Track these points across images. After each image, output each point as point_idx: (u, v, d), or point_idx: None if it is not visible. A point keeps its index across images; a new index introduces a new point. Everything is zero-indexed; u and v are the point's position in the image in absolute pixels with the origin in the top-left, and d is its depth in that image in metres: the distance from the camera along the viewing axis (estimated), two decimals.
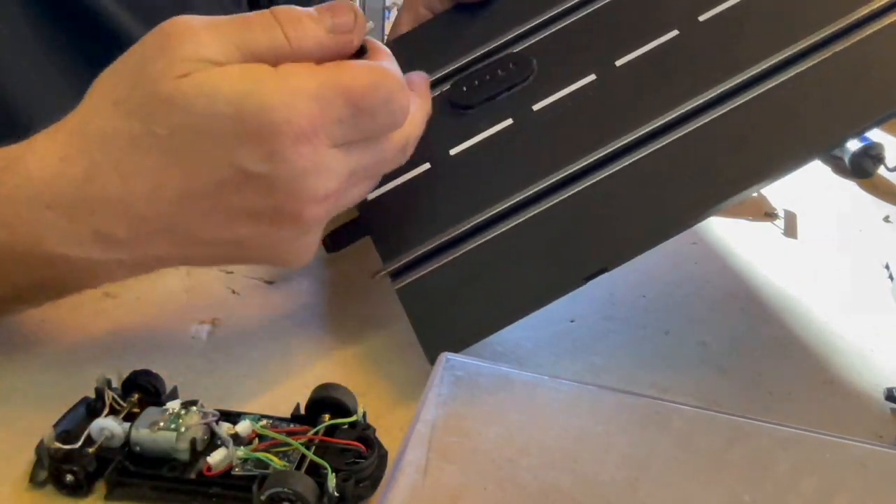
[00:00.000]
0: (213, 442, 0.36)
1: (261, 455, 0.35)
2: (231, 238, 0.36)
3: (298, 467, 0.34)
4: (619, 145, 0.45)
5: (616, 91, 0.47)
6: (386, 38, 0.60)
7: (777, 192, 0.76)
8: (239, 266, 0.53)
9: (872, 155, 0.83)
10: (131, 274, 0.39)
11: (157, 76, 0.32)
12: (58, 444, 0.34)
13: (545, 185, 0.45)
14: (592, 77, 0.48)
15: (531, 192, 0.45)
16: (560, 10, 0.51)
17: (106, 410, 0.36)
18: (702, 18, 0.47)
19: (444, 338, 0.43)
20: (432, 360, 0.42)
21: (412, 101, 0.39)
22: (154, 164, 0.33)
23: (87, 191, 0.33)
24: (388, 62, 0.36)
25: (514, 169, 0.46)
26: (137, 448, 0.35)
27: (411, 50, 0.54)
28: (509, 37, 0.51)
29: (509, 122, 0.48)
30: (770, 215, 0.72)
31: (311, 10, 0.35)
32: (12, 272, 0.37)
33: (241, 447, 0.35)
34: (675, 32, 0.47)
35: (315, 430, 0.36)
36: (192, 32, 0.33)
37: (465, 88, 0.50)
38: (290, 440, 0.35)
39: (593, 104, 0.47)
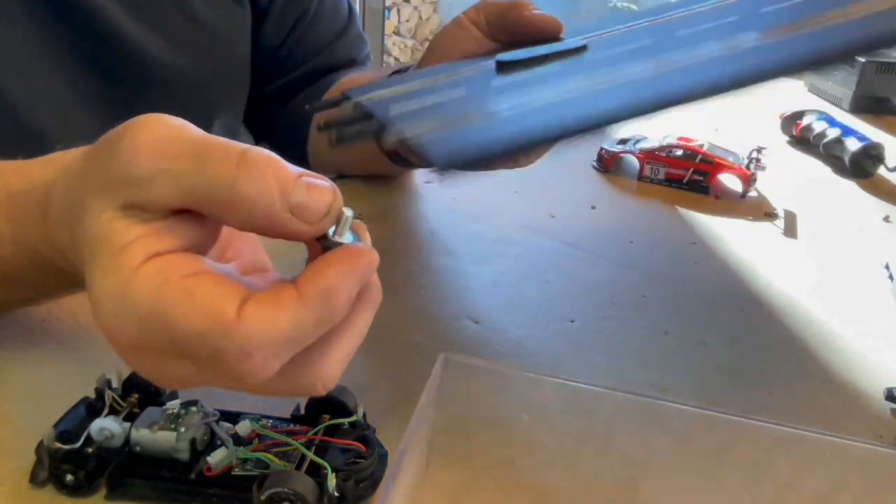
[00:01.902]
0: (213, 442, 0.36)
1: (261, 455, 0.35)
2: None
3: (298, 467, 0.34)
4: None
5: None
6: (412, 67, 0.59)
7: (777, 192, 0.76)
8: None
9: (872, 155, 0.83)
10: None
11: (94, 184, 0.31)
12: (58, 444, 0.34)
13: None
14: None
15: None
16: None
17: (106, 410, 0.36)
18: None
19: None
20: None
21: (317, 355, 0.32)
22: (76, 250, 0.33)
23: (59, 236, 0.35)
24: (280, 318, 0.29)
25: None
26: (137, 448, 0.35)
27: None
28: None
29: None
30: (770, 215, 0.72)
31: (294, 172, 0.30)
32: (34, 279, 0.39)
33: (241, 447, 0.35)
34: None
35: (315, 430, 0.36)
36: (138, 148, 0.30)
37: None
38: (290, 440, 0.35)
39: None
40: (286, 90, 0.76)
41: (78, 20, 0.59)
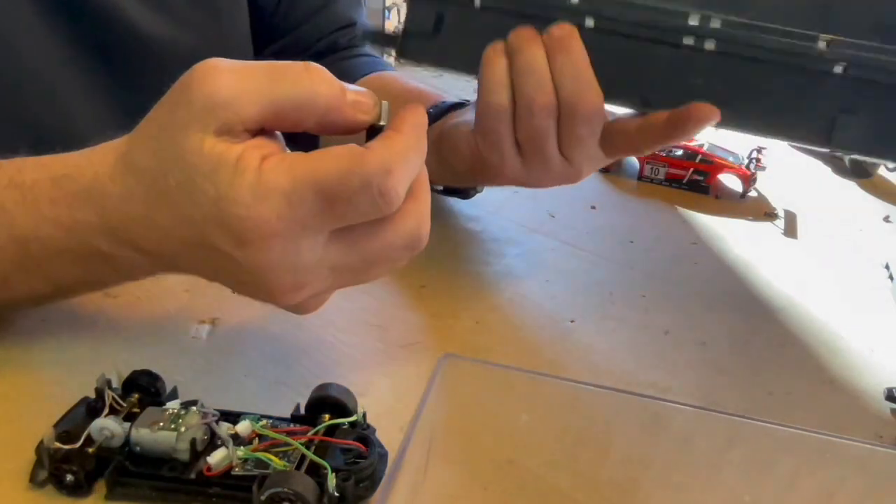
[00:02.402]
0: (213, 442, 0.36)
1: (261, 455, 0.35)
2: (224, 279, 0.39)
3: (298, 467, 0.34)
4: None
5: None
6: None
7: (777, 192, 0.76)
8: None
9: None
10: (167, 271, 0.41)
11: (179, 124, 0.35)
12: (58, 444, 0.34)
13: None
14: None
15: None
16: None
17: (106, 410, 0.36)
18: None
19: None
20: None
21: (417, 195, 0.37)
22: (162, 206, 0.36)
23: (123, 209, 0.37)
24: (396, 142, 0.36)
25: None
26: (137, 448, 0.35)
27: None
28: None
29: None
30: (770, 215, 0.72)
31: (340, 83, 0.36)
32: (61, 269, 0.40)
33: (241, 447, 0.35)
34: None
35: (315, 430, 0.36)
36: (214, 78, 0.34)
37: None
38: (290, 440, 0.35)
39: None
40: (285, 53, 0.75)
41: (86, 8, 0.58)
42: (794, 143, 0.47)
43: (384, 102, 0.37)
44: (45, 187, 0.39)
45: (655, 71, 0.45)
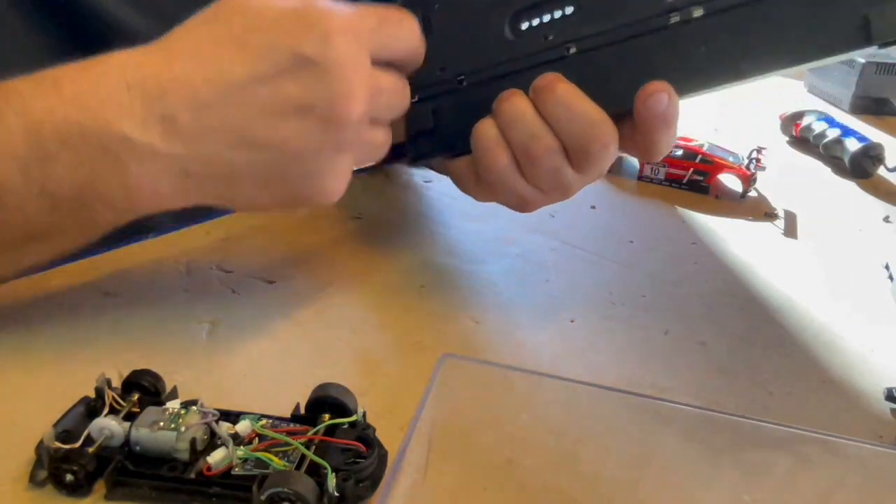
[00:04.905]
0: (213, 442, 0.36)
1: (261, 455, 0.35)
2: (279, 139, 0.40)
3: (298, 467, 0.34)
4: None
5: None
6: None
7: (777, 192, 0.76)
8: (239, 266, 0.53)
9: (872, 155, 0.83)
10: (183, 190, 0.40)
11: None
12: (58, 444, 0.34)
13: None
14: None
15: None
16: None
17: (106, 410, 0.36)
18: None
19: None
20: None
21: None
22: (227, 54, 0.38)
23: (164, 73, 0.38)
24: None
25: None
26: (137, 448, 0.35)
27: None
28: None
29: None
30: (770, 215, 0.72)
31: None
32: (65, 173, 0.38)
33: (241, 447, 0.35)
34: None
35: (315, 429, 0.36)
36: None
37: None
38: (290, 440, 0.35)
39: None
40: None
41: (70, 9, 0.57)
42: (837, 57, 0.42)
43: None
44: (67, 70, 0.39)
45: (657, 62, 0.43)
